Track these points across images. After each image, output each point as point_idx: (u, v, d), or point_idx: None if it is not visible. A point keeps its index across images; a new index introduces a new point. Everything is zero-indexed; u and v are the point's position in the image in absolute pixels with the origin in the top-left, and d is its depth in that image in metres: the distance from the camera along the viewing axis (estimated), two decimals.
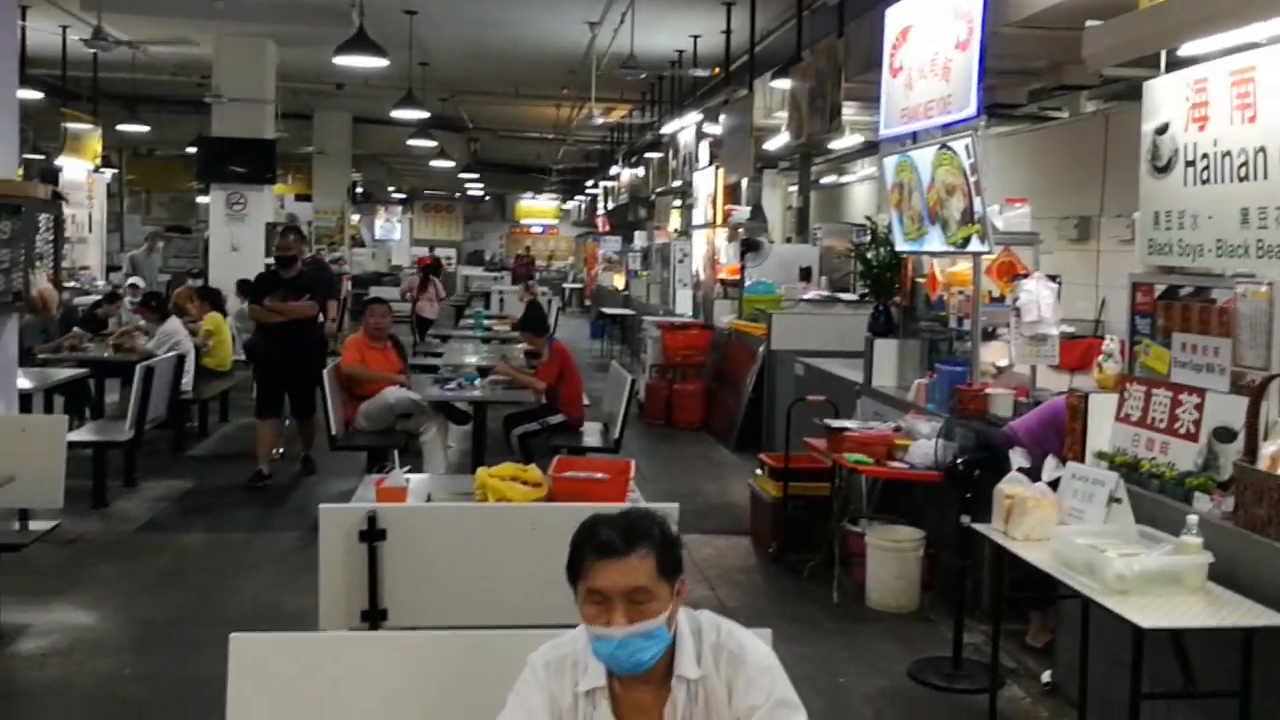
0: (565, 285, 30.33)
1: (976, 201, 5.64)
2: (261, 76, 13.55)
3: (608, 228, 27.33)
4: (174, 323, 9.19)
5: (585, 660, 2.21)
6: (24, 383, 7.49)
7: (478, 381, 8.02)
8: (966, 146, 5.65)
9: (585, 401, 8.24)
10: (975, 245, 5.77)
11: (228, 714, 2.49)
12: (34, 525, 5.35)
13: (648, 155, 18.78)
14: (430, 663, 2.53)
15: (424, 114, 13.90)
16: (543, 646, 2.29)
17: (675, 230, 16.95)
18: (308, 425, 8.45)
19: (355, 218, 25.98)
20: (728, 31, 11.76)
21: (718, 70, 12.97)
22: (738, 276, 11.85)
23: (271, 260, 8.73)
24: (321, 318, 8.56)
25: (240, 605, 5.64)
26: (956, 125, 5.80)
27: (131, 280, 13.48)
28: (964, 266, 6.26)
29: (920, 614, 5.72)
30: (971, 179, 5.64)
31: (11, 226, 6.74)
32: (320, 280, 8.82)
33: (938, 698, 4.77)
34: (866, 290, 8.34)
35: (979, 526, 4.15)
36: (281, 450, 8.61)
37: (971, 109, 5.63)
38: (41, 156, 13.96)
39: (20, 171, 7.52)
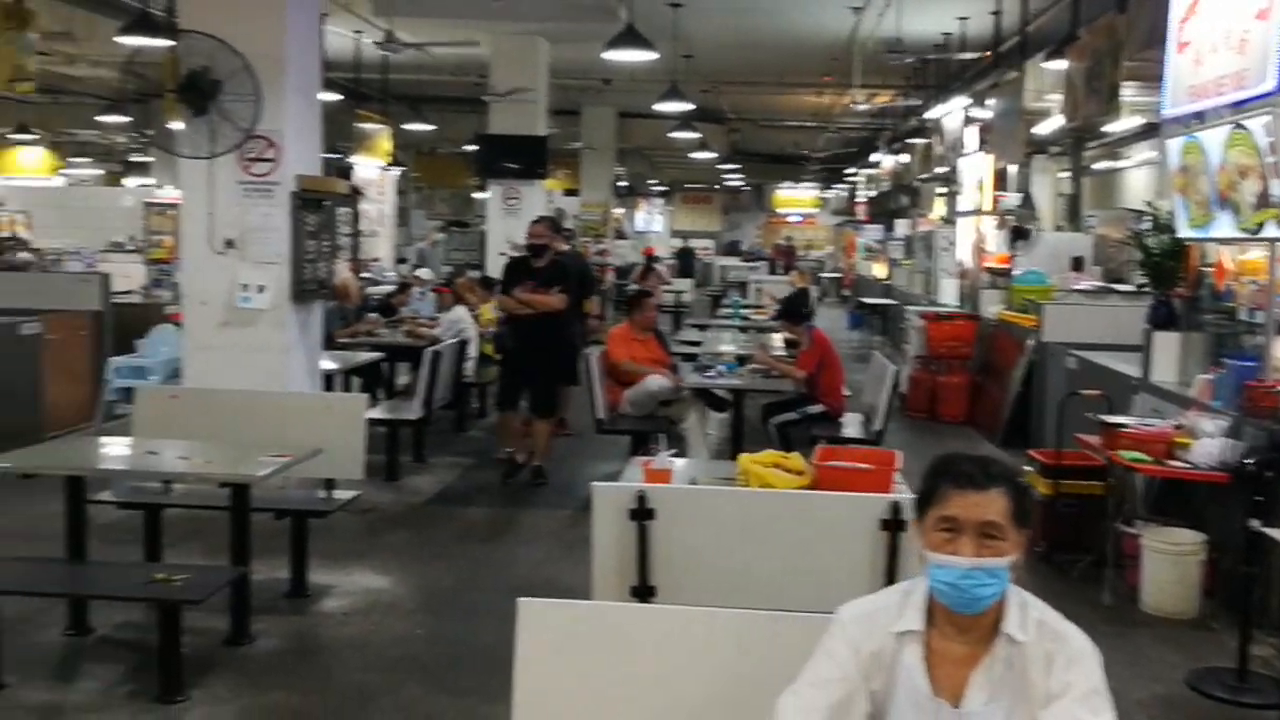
0: (823, 275, 30.12)
1: (1274, 184, 5.28)
2: (534, 74, 14.10)
3: (868, 216, 26.93)
4: (459, 310, 9.76)
5: (900, 611, 2.24)
6: (327, 364, 8.16)
7: (737, 369, 8.16)
8: (1265, 125, 5.30)
9: (845, 392, 8.22)
10: (1272, 231, 5.41)
11: (515, 673, 2.64)
12: (338, 494, 5.81)
13: (911, 141, 18.41)
14: (707, 638, 2.61)
15: (687, 106, 14.14)
16: (852, 601, 2.33)
17: (939, 218, 16.56)
18: (542, 428, 8.02)
19: (618, 210, 26.68)
20: (997, 12, 11.38)
21: (990, 55, 12.58)
22: (1006, 265, 11.48)
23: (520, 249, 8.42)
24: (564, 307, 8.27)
25: (519, 576, 5.97)
26: (1252, 102, 5.44)
27: (418, 271, 14.39)
28: (1257, 254, 5.87)
29: (1200, 621, 5.43)
30: (1269, 160, 5.29)
31: (317, 220, 7.35)
32: (570, 271, 8.32)
33: (1220, 710, 4.53)
34: (1145, 280, 7.93)
35: (1270, 531, 3.92)
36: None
37: (1270, 84, 5.26)
38: (337, 155, 15.05)
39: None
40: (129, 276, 12.73)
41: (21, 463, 5.25)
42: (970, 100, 13.16)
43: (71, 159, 23.69)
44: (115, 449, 5.57)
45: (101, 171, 25.25)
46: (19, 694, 4.38)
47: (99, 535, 5.50)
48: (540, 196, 14.67)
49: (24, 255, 13.27)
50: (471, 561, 6.32)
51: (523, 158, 13.88)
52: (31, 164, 20.10)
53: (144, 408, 6.03)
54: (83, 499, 5.01)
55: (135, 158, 23.32)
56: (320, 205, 7.38)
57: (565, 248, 9.71)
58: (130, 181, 22.38)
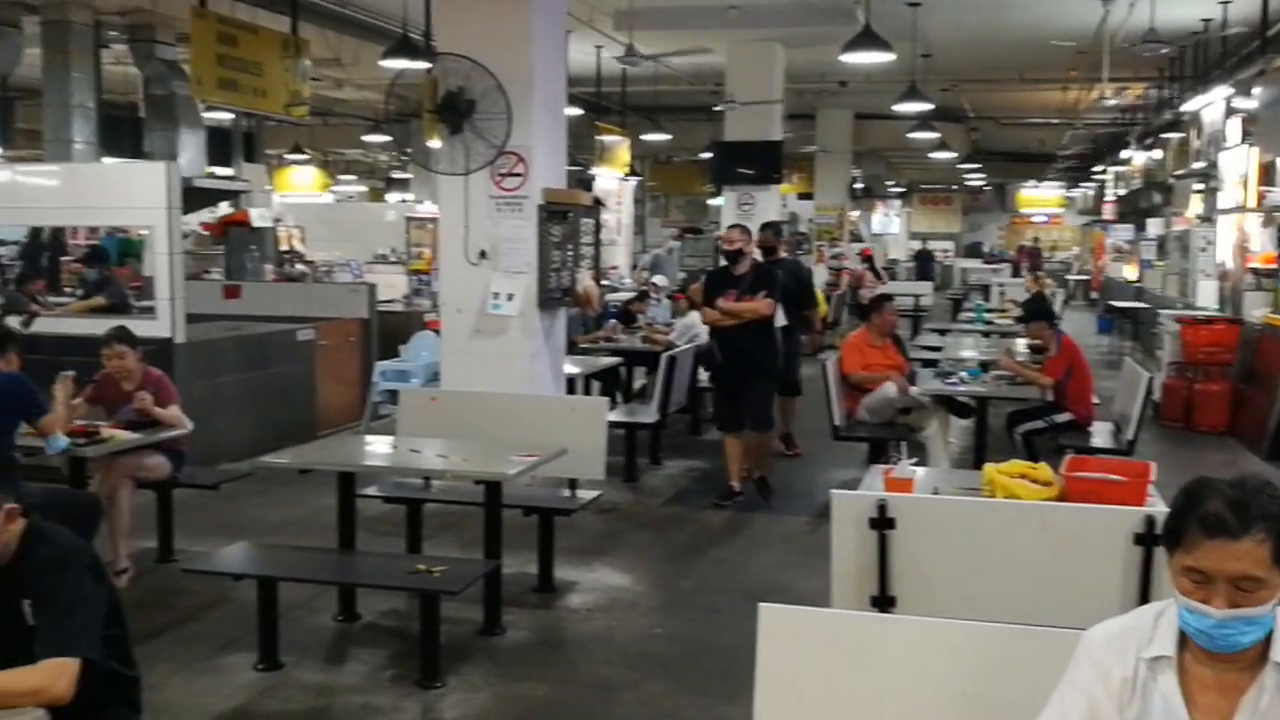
0: (1069, 277, 28.86)
1: None
2: (770, 80, 14.17)
3: (1116, 215, 25.66)
4: (694, 315, 9.90)
5: (1152, 632, 2.10)
6: (570, 369, 8.47)
7: (980, 376, 7.96)
8: None
9: (1095, 400, 7.89)
10: None
11: (756, 678, 2.68)
12: (580, 494, 6.04)
13: (1165, 136, 17.42)
14: (950, 651, 2.59)
15: (926, 106, 13.89)
16: (1100, 624, 2.20)
17: (1196, 216, 15.64)
18: (761, 443, 7.74)
19: (854, 213, 26.40)
20: None
21: (1257, 40, 11.78)
22: (1273, 266, 10.74)
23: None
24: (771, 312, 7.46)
25: (754, 580, 6.02)
26: None
27: (654, 278, 14.71)
28: None
29: None
30: None
31: (561, 231, 7.65)
32: (775, 276, 7.61)
33: None
34: None
35: None
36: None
37: None
38: (579, 167, 15.54)
39: None
40: (392, 286, 13.60)
41: (299, 459, 5.73)
42: (1233, 90, 12.36)
43: (340, 176, 25.47)
44: (381, 447, 5.99)
45: (366, 188, 26.97)
46: (295, 674, 4.76)
47: (366, 527, 5.92)
48: (775, 201, 14.71)
49: (300, 267, 14.34)
50: (708, 563, 6.43)
51: (757, 163, 13.97)
52: (305, 182, 21.69)
53: (406, 409, 6.46)
54: (353, 493, 5.40)
55: (396, 174, 24.80)
56: (565, 217, 7.66)
57: (783, 255, 9.41)
58: (392, 197, 23.81)
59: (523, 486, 6.06)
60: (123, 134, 13.07)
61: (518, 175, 7.40)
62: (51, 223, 9.69)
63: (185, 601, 5.58)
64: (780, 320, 7.70)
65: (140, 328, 6.76)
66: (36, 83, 11.96)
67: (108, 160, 11.72)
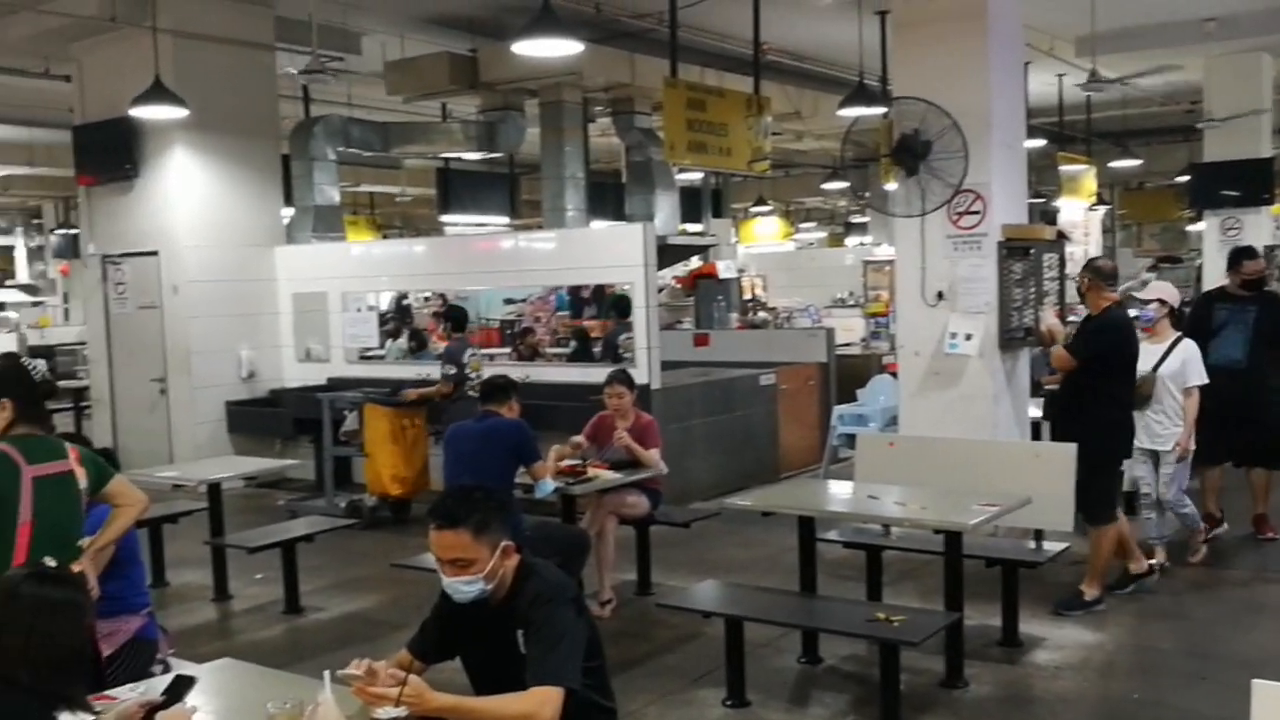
0: None
1: None
2: (1256, 92, 13.04)
3: None
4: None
5: None
6: (1035, 412, 8.14)
7: None
8: None
9: None
10: None
11: None
12: (1047, 545, 5.80)
13: None
14: None
15: None
16: None
17: None
18: (1097, 540, 6.06)
19: None
20: None
21: None
22: None
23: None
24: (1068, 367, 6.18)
25: (1248, 647, 5.50)
26: None
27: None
28: None
29: None
30: None
31: (1022, 267, 7.41)
32: (1104, 325, 6.14)
33: None
34: None
35: None
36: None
37: None
38: (1041, 200, 14.93)
39: None
40: (850, 329, 13.80)
41: (762, 502, 5.98)
42: None
43: (800, 224, 26.29)
44: (840, 492, 6.11)
45: (825, 234, 27.60)
46: (761, 712, 4.93)
47: (826, 570, 6.02)
48: (1266, 224, 13.49)
49: (762, 314, 14.92)
50: (1194, 625, 5.93)
51: (1243, 183, 13.02)
52: (768, 232, 22.56)
53: (864, 453, 6.54)
54: (813, 537, 5.54)
55: (854, 219, 25.18)
56: (1026, 252, 7.44)
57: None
58: (850, 241, 24.16)
59: (984, 536, 5.91)
60: (607, 199, 14.29)
61: (975, 213, 7.29)
62: (551, 283, 10.77)
63: (661, 634, 5.97)
64: (1198, 378, 6.46)
65: None
66: (535, 158, 13.39)
67: (595, 224, 12.83)
